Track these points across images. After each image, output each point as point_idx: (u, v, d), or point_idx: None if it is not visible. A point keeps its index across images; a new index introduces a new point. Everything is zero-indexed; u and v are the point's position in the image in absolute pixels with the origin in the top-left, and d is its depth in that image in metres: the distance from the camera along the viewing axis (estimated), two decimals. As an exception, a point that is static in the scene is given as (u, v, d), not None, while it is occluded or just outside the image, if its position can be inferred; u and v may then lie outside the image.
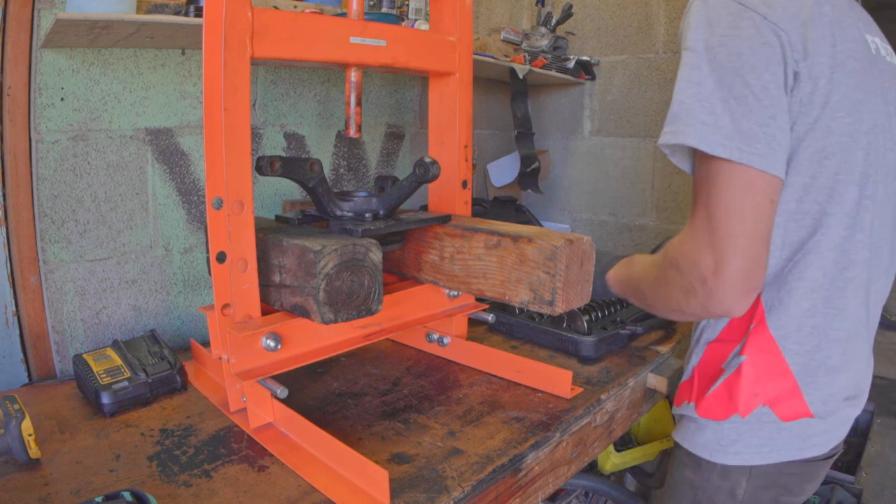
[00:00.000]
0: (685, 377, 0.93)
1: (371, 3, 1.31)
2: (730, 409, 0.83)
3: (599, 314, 1.19)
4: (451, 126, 1.00)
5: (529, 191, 1.74)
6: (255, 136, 1.29)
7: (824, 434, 0.83)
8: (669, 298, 0.77)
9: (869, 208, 0.77)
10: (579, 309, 1.11)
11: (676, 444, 0.93)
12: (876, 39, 0.81)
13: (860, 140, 0.74)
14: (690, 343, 0.95)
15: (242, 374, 0.76)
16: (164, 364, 0.95)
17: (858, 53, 0.74)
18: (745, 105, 0.68)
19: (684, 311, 0.76)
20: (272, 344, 0.77)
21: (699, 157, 0.73)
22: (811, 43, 0.69)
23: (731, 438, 0.84)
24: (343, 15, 0.99)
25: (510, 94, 1.65)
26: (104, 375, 0.89)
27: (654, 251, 0.93)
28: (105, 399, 0.86)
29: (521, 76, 1.59)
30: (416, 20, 1.32)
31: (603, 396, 0.95)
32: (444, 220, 0.90)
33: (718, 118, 0.68)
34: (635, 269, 0.87)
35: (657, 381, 1.08)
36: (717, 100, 0.68)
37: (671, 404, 1.11)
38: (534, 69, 1.62)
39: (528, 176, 1.69)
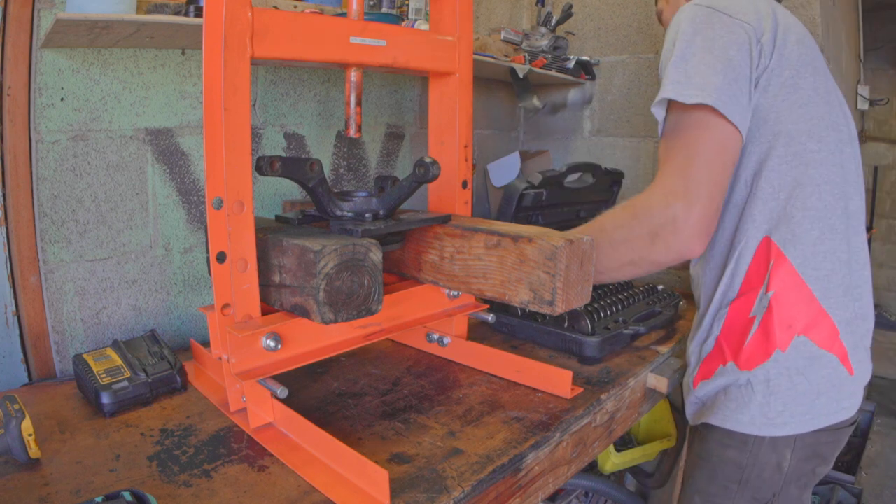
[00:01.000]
0: (708, 351, 0.97)
1: (371, 3, 1.31)
2: (769, 347, 0.89)
3: (602, 314, 1.19)
4: (451, 126, 1.00)
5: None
6: (255, 136, 1.29)
7: (852, 397, 0.92)
8: (632, 249, 0.86)
9: (846, 152, 0.92)
10: (581, 309, 1.11)
11: (710, 428, 0.95)
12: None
13: (824, 95, 0.91)
14: (703, 324, 0.99)
15: (242, 374, 0.76)
16: (164, 364, 0.95)
17: (809, 39, 0.92)
18: (713, 68, 0.82)
19: (645, 258, 0.86)
20: (272, 344, 0.77)
21: (674, 110, 0.87)
22: (771, 27, 0.86)
23: (778, 409, 0.88)
24: (343, 15, 0.99)
25: (514, 94, 1.67)
26: (104, 375, 0.89)
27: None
28: (105, 399, 0.86)
29: (521, 76, 1.59)
30: (416, 20, 1.32)
31: (603, 396, 0.95)
32: (444, 220, 0.90)
33: (691, 78, 0.82)
34: (594, 232, 0.90)
35: (657, 381, 1.08)
36: (692, 67, 0.83)
37: (680, 405, 1.11)
38: (534, 69, 1.62)
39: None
